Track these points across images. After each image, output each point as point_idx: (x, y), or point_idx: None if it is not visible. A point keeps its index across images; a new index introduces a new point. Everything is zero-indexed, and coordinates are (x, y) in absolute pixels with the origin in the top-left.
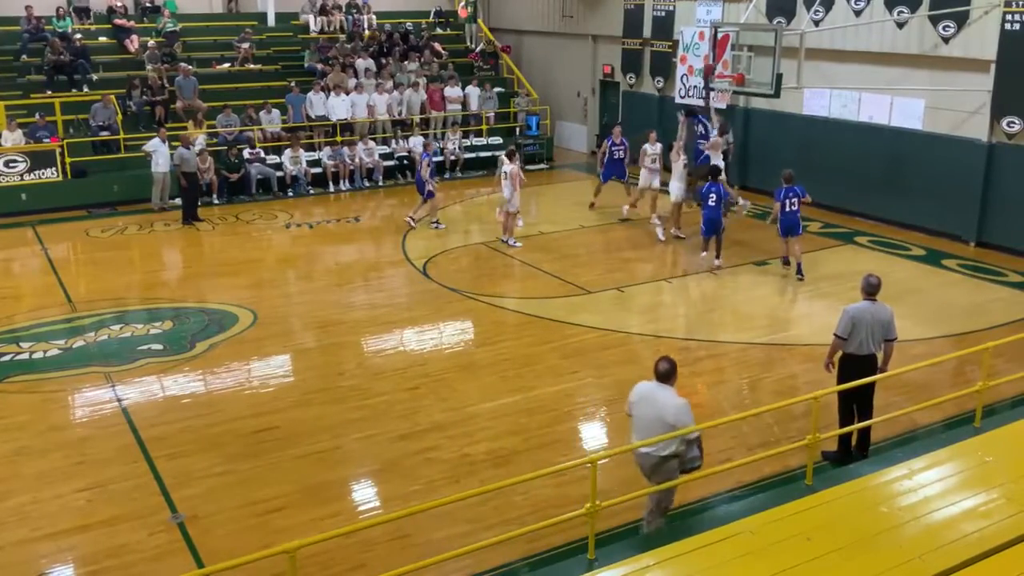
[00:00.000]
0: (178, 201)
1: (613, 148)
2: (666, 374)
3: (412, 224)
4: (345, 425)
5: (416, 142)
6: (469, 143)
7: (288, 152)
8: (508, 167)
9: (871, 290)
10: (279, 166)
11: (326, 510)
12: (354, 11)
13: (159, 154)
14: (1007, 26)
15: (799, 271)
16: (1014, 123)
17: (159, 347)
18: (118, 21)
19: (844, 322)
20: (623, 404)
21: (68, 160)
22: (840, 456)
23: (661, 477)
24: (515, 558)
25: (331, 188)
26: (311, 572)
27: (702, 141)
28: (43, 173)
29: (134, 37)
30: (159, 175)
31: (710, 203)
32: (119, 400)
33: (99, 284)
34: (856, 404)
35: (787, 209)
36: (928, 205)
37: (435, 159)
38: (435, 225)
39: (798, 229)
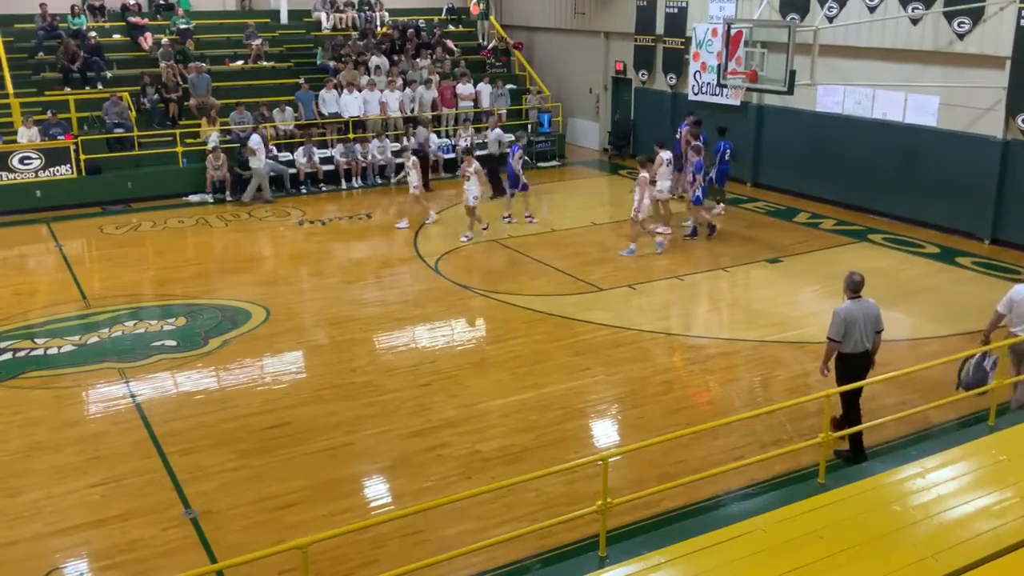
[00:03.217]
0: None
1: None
2: None
3: (511, 220)
4: (357, 421)
5: (430, 138)
6: (481, 140)
7: (300, 149)
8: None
9: (856, 288)
10: (292, 163)
11: (338, 506)
12: (366, 8)
13: (261, 151)
14: (1023, 23)
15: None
16: None
17: (172, 343)
18: (132, 19)
19: (837, 325)
20: (633, 401)
21: (83, 157)
22: (853, 454)
23: None
24: (526, 555)
25: (343, 185)
26: (323, 568)
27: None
28: (58, 170)
29: (148, 35)
30: (260, 171)
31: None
32: (133, 396)
33: (113, 281)
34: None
35: (726, 159)
36: (942, 202)
37: (446, 156)
38: (508, 219)
39: (724, 180)
